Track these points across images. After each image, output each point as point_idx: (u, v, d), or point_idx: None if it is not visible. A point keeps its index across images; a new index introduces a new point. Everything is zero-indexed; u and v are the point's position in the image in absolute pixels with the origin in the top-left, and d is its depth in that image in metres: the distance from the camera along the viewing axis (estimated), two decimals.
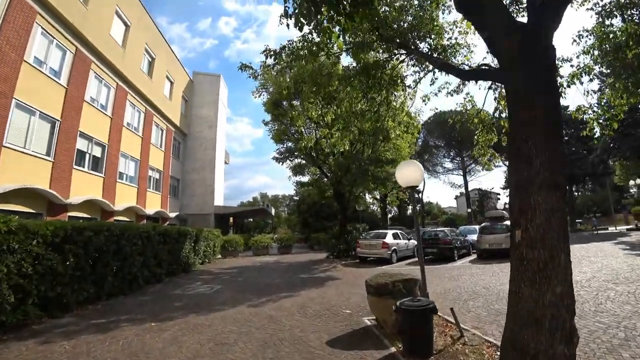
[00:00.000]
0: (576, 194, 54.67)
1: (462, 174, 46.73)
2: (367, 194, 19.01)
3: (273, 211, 40.87)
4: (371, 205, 39.68)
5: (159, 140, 25.43)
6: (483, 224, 16.84)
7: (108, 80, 18.64)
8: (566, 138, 41.81)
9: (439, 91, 8.21)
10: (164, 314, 6.74)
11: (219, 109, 32.12)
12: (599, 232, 30.27)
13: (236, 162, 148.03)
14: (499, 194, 63.81)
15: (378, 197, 19.03)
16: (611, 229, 34.01)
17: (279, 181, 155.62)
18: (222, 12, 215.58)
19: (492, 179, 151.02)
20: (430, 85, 8.22)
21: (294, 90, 14.06)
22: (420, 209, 48.19)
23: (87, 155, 16.99)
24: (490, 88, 7.14)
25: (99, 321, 6.35)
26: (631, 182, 33.69)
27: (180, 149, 29.81)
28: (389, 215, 49.13)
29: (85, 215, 16.11)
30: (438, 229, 18.57)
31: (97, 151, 17.73)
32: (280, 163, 16.44)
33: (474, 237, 19.52)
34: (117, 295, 8.66)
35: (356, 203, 20.23)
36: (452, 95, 8.00)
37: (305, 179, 19.24)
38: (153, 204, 23.57)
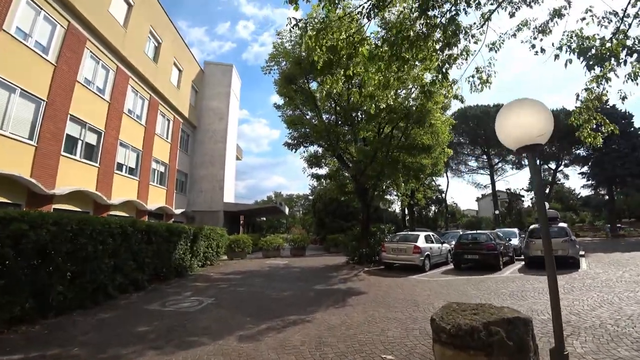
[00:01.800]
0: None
1: (488, 173, 43.51)
2: (393, 190, 16.37)
3: (287, 210, 38.65)
4: (392, 205, 37.04)
5: (165, 131, 23.63)
6: (532, 226, 14.16)
7: (106, 61, 16.84)
8: (606, 134, 38.31)
9: (518, 31, 5.78)
10: (111, 349, 4.54)
11: (230, 101, 30.20)
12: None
13: (253, 162, 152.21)
14: (523, 196, 60.01)
15: (407, 192, 16.38)
16: None
17: (294, 182, 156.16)
18: (240, 16, 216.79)
19: (519, 180, 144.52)
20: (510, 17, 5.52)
21: (310, 63, 11.91)
22: (444, 210, 45.18)
23: (80, 142, 15.20)
24: None
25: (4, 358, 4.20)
26: None
27: (188, 141, 28.01)
28: (407, 217, 46.39)
29: (73, 208, 14.30)
30: (479, 232, 15.93)
31: (91, 138, 15.92)
32: (293, 150, 14.11)
33: (516, 241, 16.99)
34: (74, 310, 6.54)
35: (381, 200, 17.70)
36: (541, 35, 5.54)
37: (322, 172, 16.84)
38: (156, 199, 21.71)
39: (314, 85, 14.82)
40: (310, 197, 45.97)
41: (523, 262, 14.60)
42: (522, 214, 44.05)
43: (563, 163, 42.30)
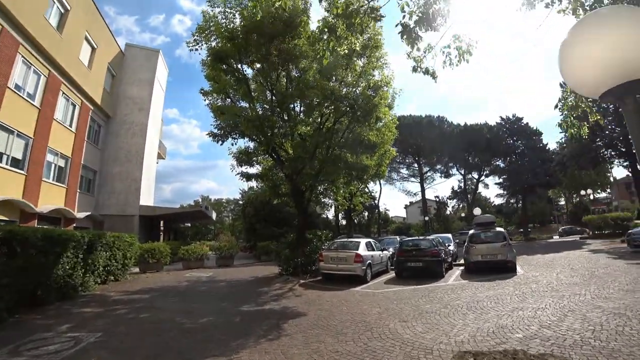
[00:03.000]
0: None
1: (419, 181, 45.19)
2: (331, 194, 15.02)
3: (214, 215, 35.65)
4: (326, 212, 36.18)
5: (68, 117, 19.74)
6: (472, 232, 13.95)
7: None
8: (522, 148, 42.18)
9: None
10: None
11: (154, 91, 26.76)
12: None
13: (181, 164, 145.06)
14: (447, 203, 63.89)
15: (347, 195, 15.17)
16: (555, 238, 34.33)
17: (225, 186, 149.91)
18: (176, 10, 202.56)
19: (445, 188, 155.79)
20: None
21: (245, 41, 10.20)
22: (377, 217, 45.75)
23: None
24: None
25: None
26: (582, 192, 33.90)
27: (100, 133, 24.01)
28: (340, 223, 46.12)
29: None
30: (422, 238, 15.37)
31: None
32: (219, 142, 11.92)
33: (452, 246, 16.93)
34: None
35: (319, 204, 16.29)
36: None
37: (253, 170, 14.87)
38: (52, 199, 17.86)
39: (249, 72, 13.10)
40: (241, 202, 43.28)
41: (462, 268, 14.41)
42: (449, 220, 46.45)
43: (484, 173, 45.51)
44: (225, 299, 9.30)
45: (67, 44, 18.29)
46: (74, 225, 19.73)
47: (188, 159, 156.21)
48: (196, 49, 11.50)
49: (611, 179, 59.27)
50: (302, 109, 13.03)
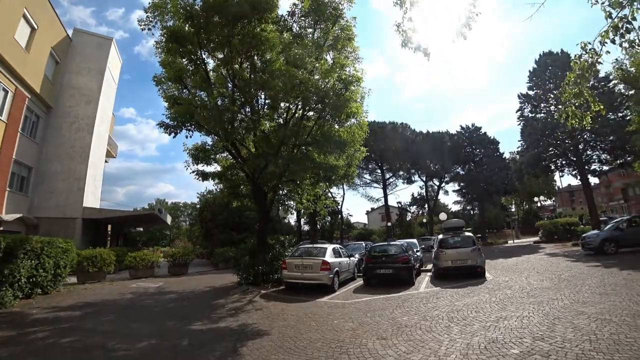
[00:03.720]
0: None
1: (381, 186, 45.29)
2: (295, 196, 13.89)
3: (169, 219, 33.30)
4: (289, 216, 35.01)
5: None
6: (441, 237, 13.55)
7: None
8: (480, 156, 43.63)
9: None
10: None
11: (104, 82, 24.41)
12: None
13: (137, 166, 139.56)
14: (408, 209, 64.95)
15: (312, 198, 14.15)
16: (510, 242, 35.63)
17: (184, 190, 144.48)
18: (137, 5, 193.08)
19: (405, 194, 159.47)
20: None
21: (205, 22, 9.03)
22: (340, 222, 45.23)
23: None
24: None
25: None
26: (535, 198, 35.52)
27: (38, 125, 21.37)
28: (302, 229, 45.09)
29: None
30: (391, 243, 14.72)
31: None
32: (172, 134, 10.46)
33: (419, 252, 16.60)
34: None
35: (282, 205, 15.14)
36: None
37: (210, 169, 13.42)
38: None
39: (210, 63, 11.82)
40: (198, 206, 41.01)
41: (429, 274, 14.02)
42: (411, 226, 46.93)
43: (444, 180, 46.54)
44: (173, 315, 8.01)
45: None
46: (0, 228, 17.24)
47: (145, 161, 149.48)
48: (149, 29, 10.14)
49: (556, 187, 63.37)
50: (266, 101, 11.96)
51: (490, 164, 41.84)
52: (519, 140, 34.30)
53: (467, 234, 13.49)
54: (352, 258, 13.69)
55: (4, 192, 17.96)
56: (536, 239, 33.37)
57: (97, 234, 24.36)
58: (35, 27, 19.22)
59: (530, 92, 33.04)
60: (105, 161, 29.57)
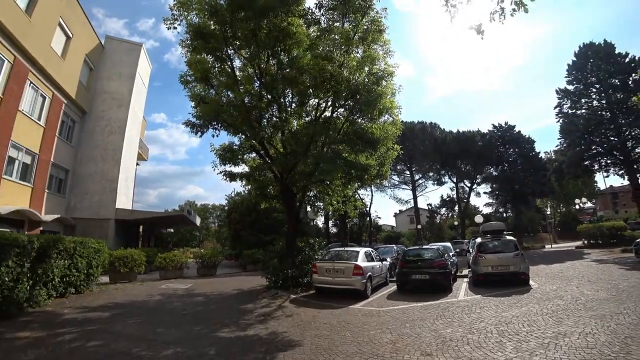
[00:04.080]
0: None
1: (410, 188, 44.12)
2: (326, 196, 13.33)
3: (198, 220, 33.68)
4: (316, 219, 34.47)
5: (36, 110, 17.93)
6: (480, 240, 12.62)
7: None
8: (514, 156, 41.60)
9: None
10: None
11: (135, 86, 25.02)
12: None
13: (168, 170, 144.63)
14: (438, 211, 63.06)
15: (342, 199, 13.58)
16: (548, 247, 33.66)
17: (213, 193, 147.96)
18: (166, 14, 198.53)
19: (435, 196, 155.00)
20: None
21: (230, 16, 8.74)
22: (368, 224, 44.40)
23: None
24: None
25: None
26: (577, 200, 33.25)
27: (74, 130, 22.14)
28: (330, 231, 44.41)
29: None
30: (426, 247, 13.96)
31: None
32: (198, 134, 10.31)
33: (453, 257, 15.66)
34: None
35: (312, 207, 14.66)
36: None
37: (238, 169, 13.16)
38: (12, 199, 15.95)
39: (237, 62, 11.57)
40: (227, 208, 41.30)
41: (466, 280, 13.19)
42: (441, 228, 45.35)
43: (476, 181, 44.77)
44: (200, 320, 7.71)
45: (36, 28, 16.60)
46: (40, 229, 17.83)
47: (175, 164, 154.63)
48: (175, 27, 10.02)
49: (596, 189, 59.71)
50: (294, 99, 11.55)
51: (525, 164, 39.87)
52: (558, 139, 32.29)
53: (508, 237, 12.52)
54: (384, 262, 13.07)
55: (43, 194, 18.61)
56: (578, 243, 31.24)
57: (130, 234, 24.90)
58: (70, 35, 19.88)
59: (570, 87, 31.04)
60: (137, 164, 30.33)
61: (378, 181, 13.32)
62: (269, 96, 10.63)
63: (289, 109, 11.47)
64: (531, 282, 11.19)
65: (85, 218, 21.36)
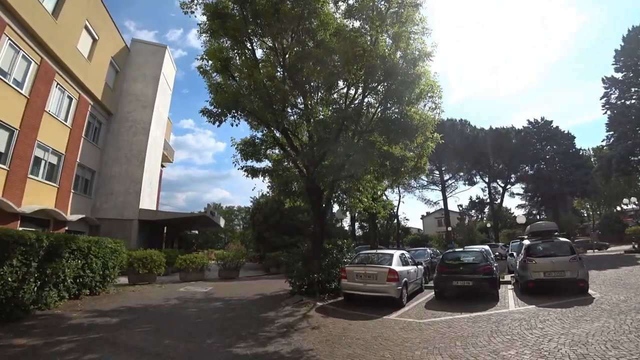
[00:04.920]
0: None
1: (439, 188, 42.17)
2: (356, 193, 12.12)
3: (222, 222, 33.34)
4: (343, 219, 33.33)
5: (63, 111, 17.92)
6: (529, 243, 11.12)
7: None
8: (552, 153, 38.93)
9: None
10: None
11: (159, 88, 24.89)
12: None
13: (195, 174, 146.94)
14: (469, 213, 60.38)
15: (373, 196, 12.46)
16: (590, 252, 31.05)
17: (238, 196, 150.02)
18: (193, 25, 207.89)
19: (465, 197, 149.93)
20: None
21: None
22: (396, 226, 42.79)
23: None
24: None
25: None
26: (625, 201, 30.43)
27: (100, 131, 22.14)
28: (357, 233, 43.03)
29: None
30: (468, 249, 12.61)
31: None
32: (216, 123, 9.44)
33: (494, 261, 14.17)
34: None
35: (340, 205, 13.51)
36: None
37: (260, 165, 12.24)
38: (38, 199, 15.84)
39: (257, 48, 10.71)
40: (251, 210, 40.90)
41: (510, 287, 11.75)
42: (472, 231, 43.09)
43: (510, 181, 42.29)
44: (215, 330, 6.81)
45: (63, 30, 16.56)
46: (66, 228, 17.75)
47: (202, 169, 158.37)
48: (192, 12, 9.30)
49: None
50: (321, 83, 10.45)
51: (564, 162, 37.15)
52: (606, 132, 29.39)
53: (561, 239, 10.95)
54: (419, 266, 11.83)
55: (69, 194, 18.55)
56: (628, 247, 28.60)
57: (153, 235, 24.71)
58: (96, 37, 19.87)
59: (618, 75, 28.42)
60: (163, 165, 30.33)
61: (416, 174, 11.93)
62: (292, 81, 9.64)
63: (315, 95, 10.45)
64: (590, 291, 9.67)
65: (109, 218, 21.27)
